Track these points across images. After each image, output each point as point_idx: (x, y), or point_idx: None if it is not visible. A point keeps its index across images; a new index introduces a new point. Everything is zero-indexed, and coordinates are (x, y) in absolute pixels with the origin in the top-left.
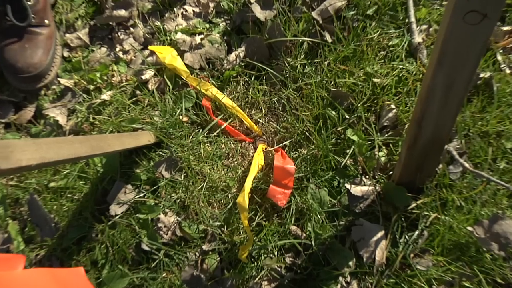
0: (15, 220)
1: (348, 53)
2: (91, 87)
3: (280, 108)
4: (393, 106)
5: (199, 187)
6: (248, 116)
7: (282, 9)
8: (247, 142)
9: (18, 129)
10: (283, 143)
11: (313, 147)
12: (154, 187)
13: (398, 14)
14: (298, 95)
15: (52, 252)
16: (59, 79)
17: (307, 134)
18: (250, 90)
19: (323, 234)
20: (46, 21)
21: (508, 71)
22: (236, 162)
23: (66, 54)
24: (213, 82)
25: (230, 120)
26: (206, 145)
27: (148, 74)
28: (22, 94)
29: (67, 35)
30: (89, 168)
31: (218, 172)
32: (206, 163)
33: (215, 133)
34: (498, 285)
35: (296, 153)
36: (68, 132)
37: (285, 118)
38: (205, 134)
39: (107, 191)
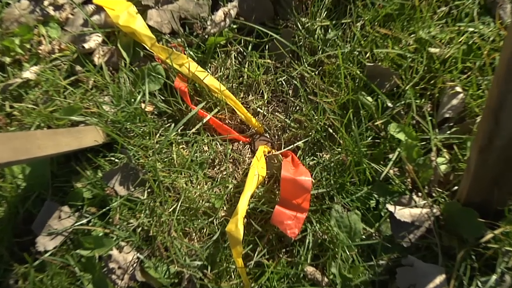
0: None
1: (392, 10)
2: (7, 59)
3: (290, 92)
4: (458, 88)
5: (171, 210)
6: (243, 104)
7: None
8: (241, 142)
9: None
10: (295, 144)
11: (339, 149)
12: (104, 210)
13: None
14: (317, 72)
15: None
16: None
17: (331, 130)
18: (246, 66)
19: (354, 278)
20: None
21: None
22: (225, 173)
23: None
24: (191, 53)
25: (216, 111)
26: (180, 147)
27: (94, 41)
28: None
29: None
30: (4, 181)
31: (198, 187)
32: (181, 174)
33: (194, 130)
34: None
35: (314, 159)
36: None
37: (297, 107)
38: (179, 130)
39: (33, 216)
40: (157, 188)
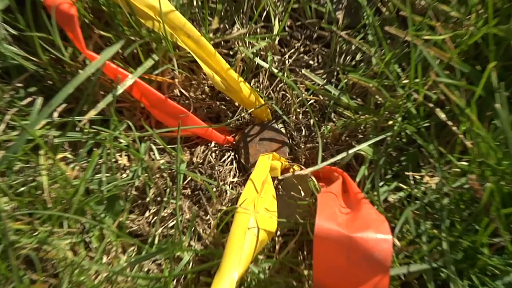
0: None
1: None
2: None
3: (340, 17)
4: None
5: None
6: (218, 49)
7: None
8: (214, 145)
9: None
10: (352, 150)
11: (464, 163)
12: None
13: None
14: None
15: None
16: None
17: (442, 115)
18: None
19: None
20: None
21: None
22: (173, 223)
23: None
24: None
25: (149, 64)
26: (59, 157)
27: None
28: None
29: None
30: None
31: (105, 259)
32: (62, 227)
33: (93, 113)
34: None
35: (398, 188)
36: None
37: (356, 56)
38: (55, 115)
39: None
40: (2, 262)
